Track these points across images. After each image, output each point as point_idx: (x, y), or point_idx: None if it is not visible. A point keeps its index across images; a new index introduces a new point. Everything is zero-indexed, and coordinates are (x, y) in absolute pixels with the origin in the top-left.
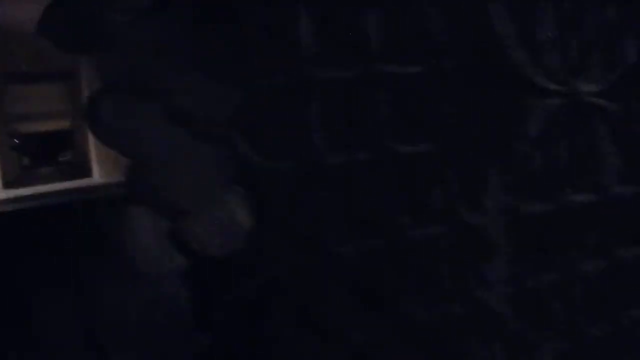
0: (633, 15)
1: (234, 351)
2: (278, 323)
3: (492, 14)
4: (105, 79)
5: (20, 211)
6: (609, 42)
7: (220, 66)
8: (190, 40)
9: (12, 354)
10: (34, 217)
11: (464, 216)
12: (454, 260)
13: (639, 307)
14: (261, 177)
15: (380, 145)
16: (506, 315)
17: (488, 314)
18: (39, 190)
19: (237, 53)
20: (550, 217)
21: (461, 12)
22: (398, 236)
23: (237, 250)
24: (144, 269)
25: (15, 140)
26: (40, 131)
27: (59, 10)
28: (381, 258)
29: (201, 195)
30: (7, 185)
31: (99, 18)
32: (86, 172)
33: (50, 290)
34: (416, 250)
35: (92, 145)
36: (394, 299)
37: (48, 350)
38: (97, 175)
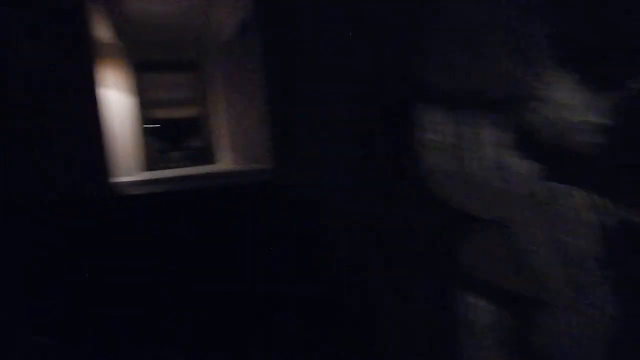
0: None
1: None
2: None
3: None
4: None
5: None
6: None
7: None
8: None
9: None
10: (176, 199)
11: None
12: None
13: None
14: None
15: None
16: None
17: None
18: (174, 174)
19: None
20: None
21: None
22: None
23: None
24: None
25: (153, 125)
26: (172, 117)
27: None
28: None
29: None
30: (145, 168)
31: None
32: (211, 159)
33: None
34: None
35: (221, 134)
36: None
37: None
38: (222, 163)
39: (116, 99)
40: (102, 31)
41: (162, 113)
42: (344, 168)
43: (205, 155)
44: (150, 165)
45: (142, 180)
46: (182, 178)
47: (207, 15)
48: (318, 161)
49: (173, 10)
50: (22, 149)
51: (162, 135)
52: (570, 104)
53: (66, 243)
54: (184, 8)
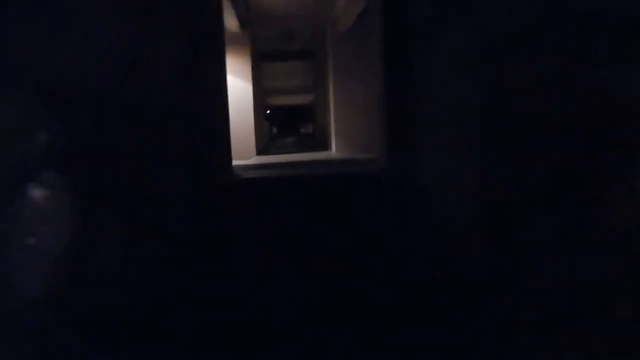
0: None
1: None
2: None
3: None
4: None
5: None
6: None
7: None
8: None
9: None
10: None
11: None
12: None
13: None
14: None
15: None
16: None
17: None
18: (282, 160)
19: None
20: None
21: None
22: None
23: None
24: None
25: (267, 111)
26: (287, 104)
27: None
28: None
29: None
30: (259, 152)
31: None
32: (326, 146)
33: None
34: None
35: (332, 122)
36: None
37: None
38: (335, 150)
39: (238, 86)
40: (228, 21)
41: (278, 100)
42: (468, 160)
43: (317, 141)
44: (264, 150)
45: (256, 164)
46: (297, 163)
47: (327, 5)
48: (439, 153)
49: (294, 1)
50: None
51: (276, 121)
52: None
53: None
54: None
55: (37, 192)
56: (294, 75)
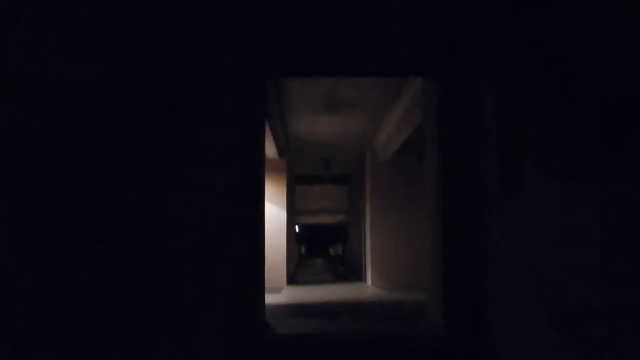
0: None
1: None
2: None
3: None
4: None
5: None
6: None
7: None
8: None
9: None
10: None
11: None
12: None
13: None
14: None
15: None
16: None
17: None
18: (317, 297)
19: None
20: None
21: None
22: None
23: None
24: None
25: (297, 229)
26: (318, 223)
27: None
28: None
29: None
30: (289, 280)
31: None
32: (357, 274)
33: None
34: None
35: (368, 252)
36: None
37: None
38: (370, 282)
39: (274, 211)
40: (269, 148)
41: (309, 219)
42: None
43: (346, 265)
44: (294, 275)
45: (293, 305)
46: (337, 306)
47: (370, 135)
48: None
49: (336, 130)
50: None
51: (307, 241)
52: None
53: None
54: (349, 130)
55: None
56: (328, 198)
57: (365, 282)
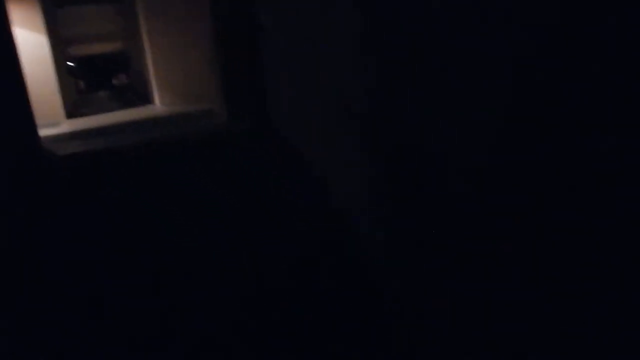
0: None
1: None
2: None
3: None
4: None
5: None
6: None
7: None
8: None
9: None
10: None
11: None
12: None
13: None
14: None
15: None
16: None
17: None
18: (103, 122)
19: None
20: None
21: None
22: None
23: None
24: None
25: (70, 63)
26: (94, 53)
27: None
28: None
29: None
30: (70, 115)
31: None
32: (147, 98)
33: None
34: None
35: (151, 69)
36: None
37: None
38: (159, 102)
39: (27, 38)
40: None
41: (83, 50)
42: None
43: (136, 93)
44: (73, 110)
45: (70, 133)
46: (117, 127)
47: None
48: (293, 103)
49: None
50: None
51: (84, 74)
52: None
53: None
54: None
55: None
56: (100, 20)
57: (154, 103)
